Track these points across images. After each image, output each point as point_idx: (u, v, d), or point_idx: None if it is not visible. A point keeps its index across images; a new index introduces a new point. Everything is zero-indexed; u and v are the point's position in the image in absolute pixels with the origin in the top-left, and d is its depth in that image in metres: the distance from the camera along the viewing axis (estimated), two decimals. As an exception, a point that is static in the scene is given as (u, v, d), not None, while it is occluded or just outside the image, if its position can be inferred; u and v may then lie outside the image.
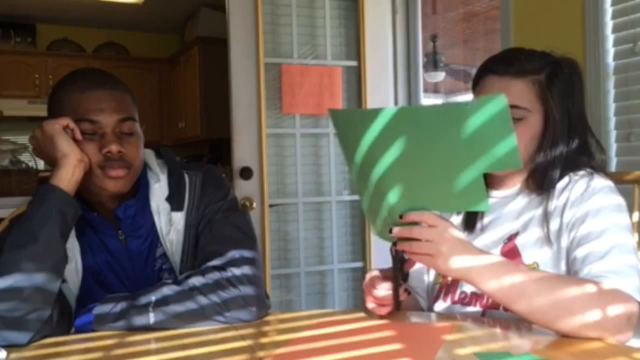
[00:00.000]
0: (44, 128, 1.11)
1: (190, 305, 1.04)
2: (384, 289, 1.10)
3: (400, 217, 0.99)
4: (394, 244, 1.01)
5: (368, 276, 1.16)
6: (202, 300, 1.04)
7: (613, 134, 1.90)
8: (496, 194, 1.22)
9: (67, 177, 1.07)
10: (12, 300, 0.97)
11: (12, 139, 4.69)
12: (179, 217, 1.19)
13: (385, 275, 1.12)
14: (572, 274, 1.06)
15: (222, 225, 1.17)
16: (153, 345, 0.98)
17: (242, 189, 2.60)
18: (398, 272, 1.07)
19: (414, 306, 1.30)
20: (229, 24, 2.58)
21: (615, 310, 0.93)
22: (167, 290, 1.05)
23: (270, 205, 2.67)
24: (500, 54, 1.23)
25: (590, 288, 0.95)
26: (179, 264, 1.19)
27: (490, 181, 1.21)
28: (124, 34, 5.28)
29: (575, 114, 1.16)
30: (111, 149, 1.12)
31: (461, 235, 0.99)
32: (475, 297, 1.16)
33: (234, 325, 1.06)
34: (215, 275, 1.07)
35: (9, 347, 0.95)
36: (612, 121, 1.90)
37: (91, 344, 0.99)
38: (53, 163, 1.10)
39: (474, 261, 0.96)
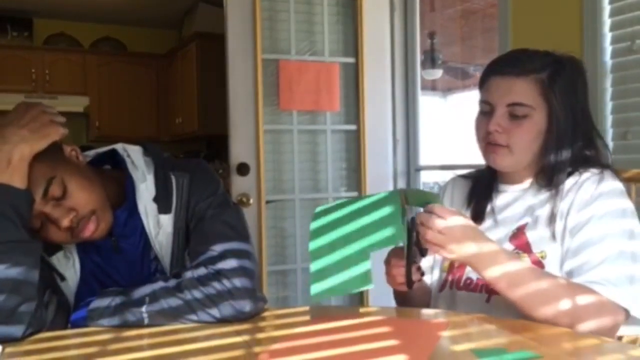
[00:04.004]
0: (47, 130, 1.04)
1: (179, 302, 1.03)
2: (396, 265, 1.15)
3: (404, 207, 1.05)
4: (412, 219, 1.07)
5: (388, 252, 1.20)
6: (190, 296, 1.03)
7: (610, 132, 1.91)
8: (511, 188, 1.25)
9: (18, 176, 1.02)
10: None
11: (8, 134, 4.69)
12: (167, 220, 1.16)
13: (400, 251, 1.16)
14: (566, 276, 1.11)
15: (213, 223, 1.14)
16: (149, 341, 0.98)
17: (239, 185, 2.60)
18: (411, 248, 1.09)
19: (425, 292, 1.32)
20: (226, 20, 2.58)
21: (601, 321, 1.02)
22: (157, 287, 1.04)
23: (267, 202, 2.67)
24: (503, 55, 1.27)
25: (582, 299, 1.02)
26: (168, 267, 1.17)
27: (504, 176, 1.26)
28: (121, 29, 5.26)
29: (579, 111, 1.19)
30: (62, 226, 1.05)
31: (470, 223, 1.07)
32: (482, 283, 1.19)
33: (229, 320, 1.06)
34: (204, 271, 1.06)
35: (4, 342, 0.95)
36: (609, 119, 1.91)
37: (87, 339, 0.99)
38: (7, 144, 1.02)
39: (477, 249, 1.04)
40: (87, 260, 1.17)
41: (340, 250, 1.03)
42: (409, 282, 1.12)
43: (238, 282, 1.05)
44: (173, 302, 1.03)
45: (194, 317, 1.04)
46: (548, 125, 1.17)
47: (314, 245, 1.06)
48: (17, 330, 0.98)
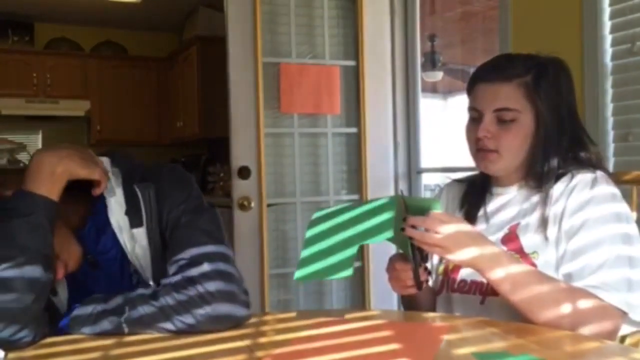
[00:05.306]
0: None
1: (154, 309, 1.01)
2: (403, 269, 1.15)
3: (404, 219, 1.05)
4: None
5: (389, 259, 1.21)
6: (164, 302, 1.01)
7: (611, 134, 1.91)
8: (504, 191, 1.26)
9: (56, 190, 1.03)
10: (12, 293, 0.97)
11: (9, 138, 4.69)
12: (141, 233, 1.12)
13: (404, 255, 1.17)
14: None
15: (186, 230, 1.11)
16: (152, 345, 0.98)
17: (240, 188, 2.60)
18: (416, 252, 1.10)
19: (431, 293, 1.33)
20: (227, 23, 2.58)
21: (602, 325, 1.02)
22: (135, 295, 1.03)
23: (269, 205, 2.67)
24: (487, 62, 1.29)
25: (584, 302, 1.03)
26: (151, 279, 1.14)
27: (497, 179, 1.27)
28: (122, 32, 5.27)
29: (565, 111, 1.20)
30: None
31: (470, 226, 1.08)
32: (475, 285, 1.20)
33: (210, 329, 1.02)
34: (178, 278, 1.03)
35: (9, 348, 0.95)
36: (610, 121, 1.91)
37: (90, 344, 0.99)
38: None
39: (480, 252, 1.04)
40: (70, 277, 1.15)
41: (331, 239, 1.08)
42: (419, 284, 1.12)
43: (212, 285, 1.01)
44: (148, 309, 1.01)
45: (169, 325, 1.01)
46: (536, 127, 1.19)
47: (310, 233, 1.11)
48: (28, 334, 0.98)
